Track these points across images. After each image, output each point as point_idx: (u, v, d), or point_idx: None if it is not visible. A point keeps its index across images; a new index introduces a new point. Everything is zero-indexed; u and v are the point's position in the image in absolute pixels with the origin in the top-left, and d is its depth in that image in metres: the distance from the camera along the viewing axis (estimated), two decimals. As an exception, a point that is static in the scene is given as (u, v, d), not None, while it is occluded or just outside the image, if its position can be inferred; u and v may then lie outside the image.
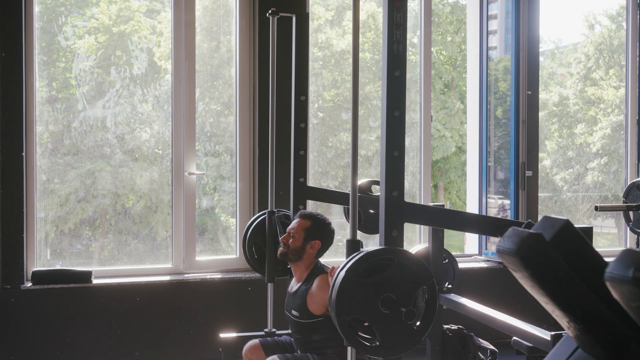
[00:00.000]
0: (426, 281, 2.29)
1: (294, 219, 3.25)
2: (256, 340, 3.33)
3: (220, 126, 4.86)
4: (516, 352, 3.13)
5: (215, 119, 4.88)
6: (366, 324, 2.29)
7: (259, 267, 3.73)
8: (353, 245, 2.48)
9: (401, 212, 2.48)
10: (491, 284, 4.79)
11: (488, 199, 5.13)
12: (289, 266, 3.38)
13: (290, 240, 3.16)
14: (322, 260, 3.25)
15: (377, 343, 2.27)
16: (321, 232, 3.17)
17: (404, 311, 2.23)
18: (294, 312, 3.14)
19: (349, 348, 2.52)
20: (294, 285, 3.22)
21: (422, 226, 4.81)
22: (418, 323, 2.32)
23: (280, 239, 3.25)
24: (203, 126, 4.81)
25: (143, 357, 4.21)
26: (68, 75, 4.69)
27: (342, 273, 2.23)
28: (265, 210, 3.71)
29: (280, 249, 3.19)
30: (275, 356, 3.07)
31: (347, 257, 2.39)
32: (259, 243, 3.73)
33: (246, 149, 4.57)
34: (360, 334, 2.31)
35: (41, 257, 4.38)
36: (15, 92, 4.04)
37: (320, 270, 3.14)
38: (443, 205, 3.32)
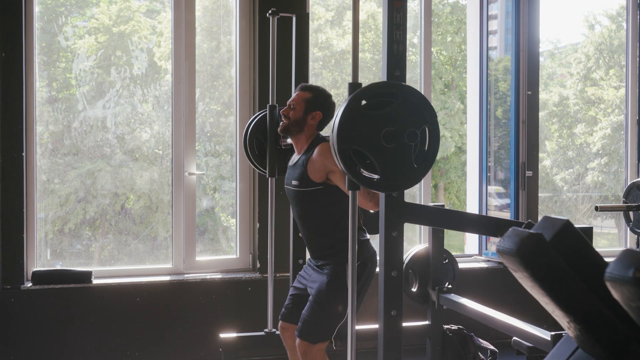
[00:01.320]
0: (429, 120, 2.27)
1: (295, 92, 3.23)
2: (281, 323, 3.30)
3: (221, 126, 4.86)
4: (516, 352, 3.13)
5: (215, 119, 4.88)
6: (368, 161, 2.28)
7: (260, 162, 3.70)
8: (353, 87, 2.39)
9: (401, 212, 2.48)
10: (491, 284, 4.78)
11: (488, 198, 5.13)
12: (288, 140, 3.32)
13: (291, 112, 3.12)
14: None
15: (377, 177, 2.25)
16: (322, 103, 3.14)
17: (406, 133, 2.21)
18: (293, 182, 3.10)
19: (349, 344, 2.51)
20: (294, 158, 3.18)
21: (422, 226, 4.81)
22: (419, 161, 2.30)
23: (281, 111, 3.20)
24: (203, 126, 4.82)
25: (143, 357, 4.22)
26: (68, 76, 4.69)
27: (345, 103, 2.21)
28: (266, 107, 3.69)
29: (282, 122, 3.15)
30: (297, 339, 3.05)
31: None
32: (260, 138, 3.69)
33: (246, 149, 4.57)
34: (362, 169, 2.28)
35: (41, 257, 4.38)
36: (15, 92, 4.04)
37: (321, 140, 3.09)
38: (443, 206, 3.32)
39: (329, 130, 3.02)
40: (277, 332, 3.66)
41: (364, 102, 2.27)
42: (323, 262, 3.09)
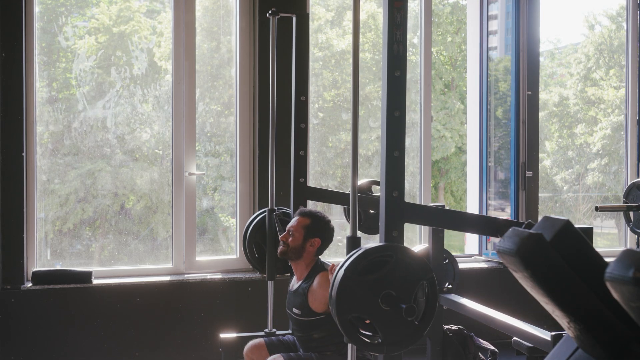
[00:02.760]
0: (425, 276, 2.29)
1: (293, 217, 3.25)
2: (261, 340, 3.32)
3: (221, 126, 4.86)
4: (516, 353, 3.13)
5: (215, 119, 4.88)
6: (367, 321, 2.29)
7: (260, 266, 3.73)
8: (353, 242, 2.47)
9: (401, 212, 2.48)
10: (491, 284, 4.78)
11: (488, 199, 5.13)
12: (289, 264, 3.38)
13: (290, 238, 3.15)
14: (323, 259, 3.25)
15: (379, 340, 2.27)
16: (321, 230, 3.17)
17: (404, 308, 2.23)
18: (295, 310, 3.13)
19: (349, 345, 2.52)
20: (294, 284, 3.22)
21: (422, 226, 4.81)
22: (419, 319, 2.32)
23: (279, 237, 3.24)
24: (203, 126, 4.82)
25: (143, 357, 4.22)
26: (68, 76, 4.69)
27: (341, 272, 2.23)
28: (265, 209, 3.71)
29: (280, 248, 3.18)
30: (279, 355, 3.07)
31: (347, 253, 2.39)
32: (259, 242, 3.72)
33: (246, 149, 4.57)
34: (361, 330, 2.30)
35: (41, 258, 4.38)
36: (15, 93, 4.04)
37: (320, 268, 3.13)
38: (443, 206, 3.32)
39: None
40: (276, 331, 3.66)
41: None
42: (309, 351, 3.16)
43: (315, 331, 3.09)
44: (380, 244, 2.35)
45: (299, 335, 3.19)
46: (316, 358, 3.09)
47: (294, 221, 3.19)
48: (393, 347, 2.31)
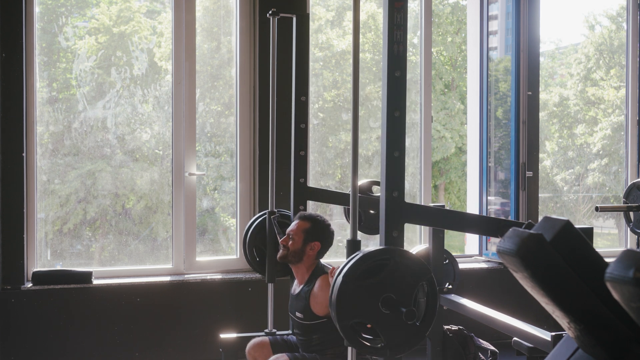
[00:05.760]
0: (424, 277, 2.29)
1: (293, 220, 3.25)
2: (265, 338, 3.32)
3: (221, 127, 4.86)
4: (517, 353, 3.13)
5: (215, 119, 4.88)
6: (369, 325, 2.29)
7: (261, 269, 3.73)
8: (353, 245, 2.47)
9: (401, 212, 2.47)
10: (491, 285, 4.78)
11: (488, 199, 5.13)
12: (290, 267, 3.38)
13: (290, 242, 3.15)
14: (323, 261, 3.25)
15: (381, 344, 2.26)
16: (320, 233, 3.17)
17: (404, 311, 2.23)
18: (297, 314, 3.13)
19: (349, 348, 2.52)
20: (296, 288, 3.22)
21: (422, 227, 4.81)
22: (420, 320, 2.32)
23: (279, 241, 3.24)
24: (203, 127, 4.82)
25: (143, 357, 4.21)
26: (68, 76, 4.69)
27: (340, 278, 2.23)
28: (265, 211, 3.71)
29: (280, 251, 3.18)
30: (284, 354, 3.07)
31: (347, 257, 2.39)
32: (259, 245, 3.72)
33: (246, 150, 4.57)
34: (363, 335, 2.30)
35: (41, 258, 4.38)
36: (15, 93, 4.04)
37: (321, 271, 3.13)
38: (443, 206, 3.32)
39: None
40: (276, 331, 3.66)
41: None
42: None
43: (317, 334, 3.09)
44: (378, 247, 2.35)
45: (301, 339, 3.19)
46: (319, 359, 3.09)
47: (293, 225, 3.19)
48: (395, 350, 2.31)
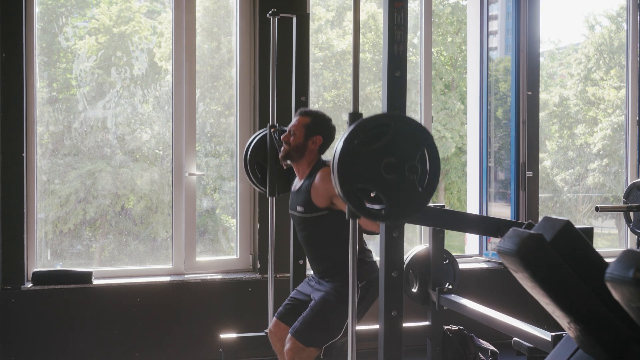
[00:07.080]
0: (425, 142, 2.25)
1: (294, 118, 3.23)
2: (274, 319, 3.30)
3: (221, 127, 4.86)
4: (517, 353, 3.13)
5: (215, 119, 4.88)
6: (372, 194, 2.26)
7: (263, 185, 3.71)
8: (354, 117, 2.37)
9: (402, 212, 2.47)
10: (491, 285, 4.78)
11: (488, 199, 5.13)
12: (292, 165, 3.31)
13: (292, 138, 3.13)
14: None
15: (384, 209, 2.23)
16: (322, 127, 3.15)
17: (407, 166, 2.20)
18: (298, 207, 3.11)
19: (349, 348, 2.51)
20: (297, 184, 3.19)
21: (422, 227, 4.81)
22: (423, 186, 2.27)
23: (281, 137, 3.21)
24: (203, 127, 4.82)
25: (143, 357, 4.21)
26: (68, 76, 4.69)
27: (340, 143, 2.21)
28: (264, 129, 3.69)
29: (283, 148, 3.16)
30: (289, 335, 3.05)
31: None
32: (260, 161, 3.69)
33: (246, 150, 4.57)
34: (367, 205, 2.26)
35: (41, 258, 4.38)
36: (15, 93, 4.04)
37: (322, 165, 3.11)
38: (443, 206, 3.32)
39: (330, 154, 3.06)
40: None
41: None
42: (329, 279, 3.11)
43: (319, 229, 3.06)
44: (377, 114, 2.31)
45: (303, 235, 3.15)
46: (334, 289, 3.04)
47: (294, 121, 3.18)
48: (399, 215, 2.26)
